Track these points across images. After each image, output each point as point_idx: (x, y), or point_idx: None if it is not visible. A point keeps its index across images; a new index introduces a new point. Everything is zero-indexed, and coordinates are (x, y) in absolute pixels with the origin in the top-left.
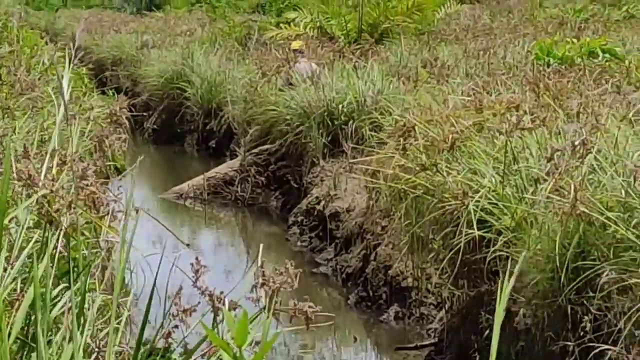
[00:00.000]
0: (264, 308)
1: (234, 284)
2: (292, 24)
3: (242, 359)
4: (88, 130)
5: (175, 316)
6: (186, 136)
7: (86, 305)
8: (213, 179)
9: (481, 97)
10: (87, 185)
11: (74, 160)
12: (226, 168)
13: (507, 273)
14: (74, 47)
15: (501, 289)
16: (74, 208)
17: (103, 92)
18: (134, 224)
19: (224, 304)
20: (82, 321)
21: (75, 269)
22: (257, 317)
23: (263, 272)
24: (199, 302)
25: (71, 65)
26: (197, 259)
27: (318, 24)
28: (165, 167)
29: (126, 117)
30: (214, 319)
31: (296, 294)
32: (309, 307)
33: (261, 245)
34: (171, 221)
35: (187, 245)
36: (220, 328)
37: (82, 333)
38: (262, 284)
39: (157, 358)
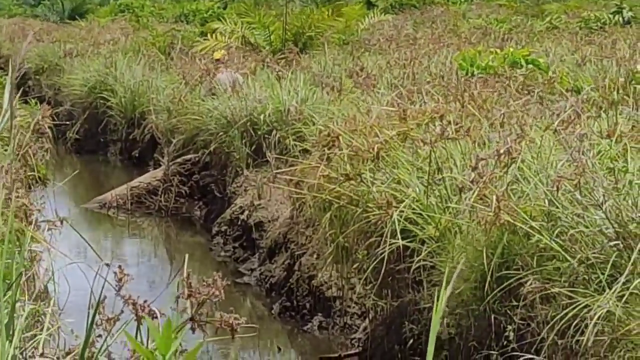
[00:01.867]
0: (190, 319)
1: (157, 293)
2: (216, 33)
3: None
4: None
5: (99, 325)
6: (109, 145)
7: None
8: (136, 188)
9: (405, 107)
10: (18, 197)
11: (6, 172)
12: (149, 178)
13: (432, 283)
14: (18, 57)
15: (437, 297)
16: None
17: (25, 102)
18: (61, 234)
19: (148, 313)
20: (11, 331)
21: None
22: (182, 327)
23: (190, 283)
24: (122, 311)
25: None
26: (120, 267)
27: (241, 33)
28: (88, 177)
29: (49, 127)
30: (138, 327)
31: (220, 303)
32: (235, 319)
33: (186, 256)
34: (94, 231)
35: (107, 264)
36: (144, 336)
37: (10, 342)
38: (189, 295)
39: None
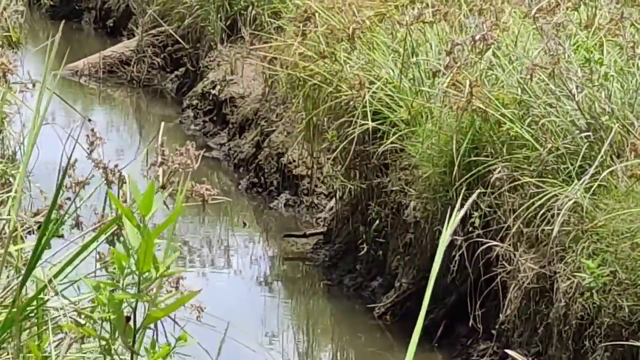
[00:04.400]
0: (162, 186)
1: (126, 162)
2: None
3: (145, 228)
4: None
5: (69, 188)
6: (84, 13)
7: None
8: (109, 57)
9: None
10: None
11: None
12: (123, 47)
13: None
14: None
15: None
16: None
17: None
18: (32, 96)
19: (119, 178)
20: None
21: None
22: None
23: (163, 151)
24: (93, 175)
25: None
26: (92, 130)
27: None
28: (62, 44)
29: None
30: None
31: (187, 176)
32: (206, 189)
33: (162, 124)
34: (65, 98)
35: (89, 120)
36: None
37: None
38: (162, 163)
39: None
